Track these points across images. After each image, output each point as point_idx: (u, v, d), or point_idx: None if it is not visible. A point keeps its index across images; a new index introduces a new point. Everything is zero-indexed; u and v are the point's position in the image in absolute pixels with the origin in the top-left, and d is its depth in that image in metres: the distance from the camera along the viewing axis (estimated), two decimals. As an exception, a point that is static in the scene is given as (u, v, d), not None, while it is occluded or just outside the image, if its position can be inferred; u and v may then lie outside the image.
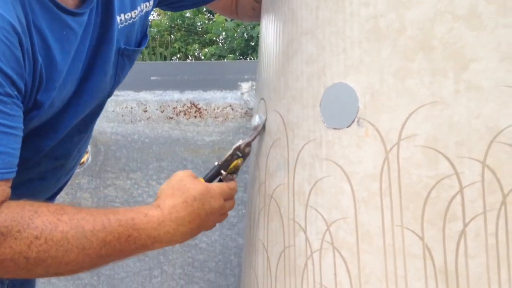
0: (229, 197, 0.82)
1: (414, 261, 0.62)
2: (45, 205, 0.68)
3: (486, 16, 0.64)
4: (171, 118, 1.26)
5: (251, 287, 0.84)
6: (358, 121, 0.69)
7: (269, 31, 0.88)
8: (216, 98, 1.27)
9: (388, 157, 0.66)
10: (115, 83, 0.89)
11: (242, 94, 1.30)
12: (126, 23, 0.85)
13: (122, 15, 0.83)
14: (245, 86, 1.32)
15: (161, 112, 1.26)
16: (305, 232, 0.72)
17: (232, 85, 1.36)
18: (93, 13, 0.78)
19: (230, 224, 1.36)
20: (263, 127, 0.85)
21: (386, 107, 0.67)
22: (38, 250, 0.63)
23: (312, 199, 0.72)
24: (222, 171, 0.82)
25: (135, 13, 0.86)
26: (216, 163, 0.84)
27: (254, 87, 1.37)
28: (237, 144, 0.84)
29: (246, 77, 1.30)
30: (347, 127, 0.70)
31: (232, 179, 0.83)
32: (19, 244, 0.62)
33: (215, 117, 1.28)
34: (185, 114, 1.27)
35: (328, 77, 0.73)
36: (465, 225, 0.61)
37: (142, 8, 0.88)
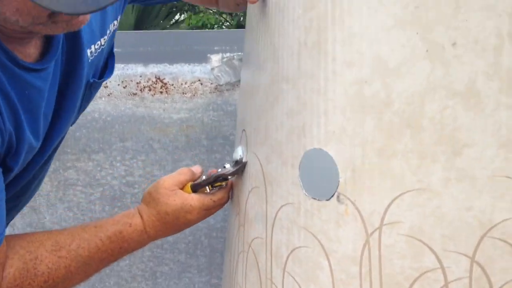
0: (212, 207, 0.93)
1: None
2: (41, 244, 0.82)
3: (486, 94, 0.62)
4: (134, 94, 1.25)
5: None
6: (338, 197, 0.72)
7: (254, 51, 0.86)
8: (183, 72, 1.24)
9: (369, 241, 0.71)
10: (80, 113, 0.95)
11: (212, 69, 1.27)
12: (96, 53, 0.88)
13: (92, 46, 0.86)
14: (215, 58, 1.29)
15: (123, 87, 1.25)
16: (283, 294, 0.81)
17: (201, 58, 1.32)
18: (59, 59, 0.81)
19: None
20: (245, 165, 0.89)
21: (368, 187, 0.69)
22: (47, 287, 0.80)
23: (289, 265, 0.79)
24: (207, 187, 0.92)
25: (104, 39, 0.89)
26: (203, 177, 0.93)
27: (225, 59, 1.32)
28: (221, 171, 0.90)
29: (216, 48, 1.25)
30: (327, 200, 0.73)
31: (220, 189, 0.93)
32: None
33: (183, 93, 1.27)
34: (150, 89, 1.25)
35: (308, 140, 0.73)
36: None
37: (111, 29, 0.90)
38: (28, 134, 0.79)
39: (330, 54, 0.69)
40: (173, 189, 0.91)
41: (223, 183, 0.92)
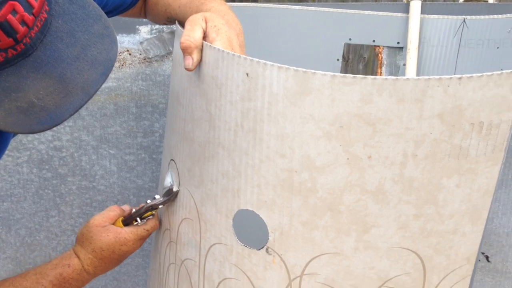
0: (146, 236, 1.16)
1: None
2: None
3: (390, 193, 0.90)
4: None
5: None
6: (267, 249, 1.00)
7: (186, 98, 1.03)
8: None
9: (291, 284, 1.01)
10: None
11: (141, 43, 1.37)
12: None
13: None
14: (144, 30, 1.38)
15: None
16: (216, 309, 1.11)
17: (130, 28, 1.39)
18: None
19: (129, 168, 1.66)
20: (176, 195, 1.11)
21: (293, 247, 0.97)
22: None
23: (222, 289, 1.08)
24: (138, 219, 1.14)
25: None
26: (133, 210, 1.15)
27: (154, 32, 1.42)
28: (151, 202, 1.12)
29: (145, 20, 1.33)
30: (257, 250, 1.01)
31: (150, 218, 1.16)
32: None
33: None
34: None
35: (241, 201, 0.98)
36: None
37: None
38: None
39: (265, 143, 0.91)
40: (105, 225, 1.11)
41: (153, 212, 1.15)
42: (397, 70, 1.51)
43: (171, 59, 1.58)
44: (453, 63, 1.53)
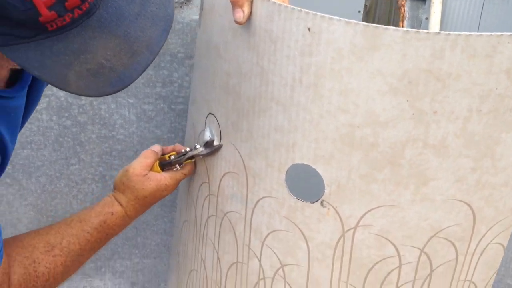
0: (183, 179, 1.18)
1: (353, 304, 1.08)
2: (34, 248, 1.00)
3: (452, 147, 0.89)
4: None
5: (195, 266, 1.27)
6: (322, 202, 0.99)
7: (230, 51, 1.00)
8: None
9: (344, 235, 1.01)
10: None
11: None
12: None
13: None
14: None
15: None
16: (259, 260, 1.11)
17: None
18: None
19: (147, 117, 1.61)
20: (219, 149, 1.09)
21: (349, 200, 0.97)
22: (50, 285, 1.00)
23: (269, 240, 1.08)
24: (177, 166, 1.14)
25: None
26: (172, 157, 1.15)
27: None
28: (192, 152, 1.11)
29: None
30: (311, 203, 1.00)
31: (188, 164, 1.17)
32: None
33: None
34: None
35: (297, 155, 0.97)
36: (397, 287, 1.05)
37: None
38: (9, 156, 0.93)
39: (326, 98, 0.89)
40: (145, 173, 1.12)
41: (189, 162, 1.14)
42: (419, 24, 1.48)
43: (190, 6, 1.52)
44: (477, 18, 1.50)
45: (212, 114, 1.10)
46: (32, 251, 1.00)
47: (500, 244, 1.08)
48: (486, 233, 1.03)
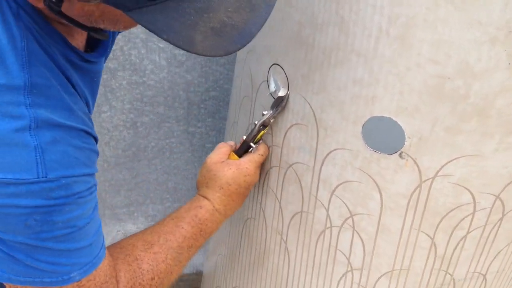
0: (262, 161, 1.14)
1: (420, 250, 1.06)
2: (133, 247, 0.97)
3: (546, 97, 0.86)
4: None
5: (253, 215, 1.25)
6: (400, 154, 0.96)
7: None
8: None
9: (421, 185, 0.99)
10: None
11: None
12: None
13: None
14: None
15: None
16: (327, 210, 1.09)
17: None
18: None
19: (178, 62, 1.54)
20: (287, 100, 1.04)
21: (431, 151, 0.94)
22: (156, 286, 0.97)
23: (339, 191, 1.05)
24: (252, 144, 1.08)
25: None
26: (244, 137, 1.10)
27: None
28: (262, 120, 1.06)
29: None
30: (389, 155, 0.97)
31: (260, 143, 1.12)
32: None
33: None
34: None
35: (376, 108, 0.93)
36: (468, 232, 1.04)
37: None
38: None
39: (416, 49, 0.85)
40: (223, 160, 1.09)
41: (265, 130, 1.09)
42: None
43: None
44: None
45: (277, 64, 1.05)
46: (132, 249, 0.97)
47: None
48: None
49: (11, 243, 0.74)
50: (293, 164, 1.10)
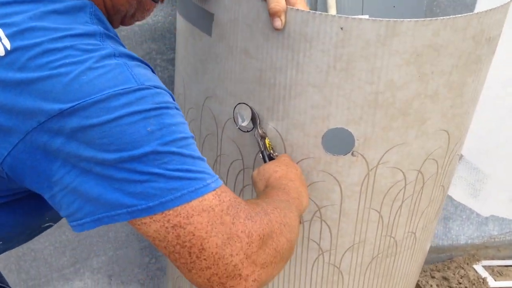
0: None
1: (372, 223, 1.41)
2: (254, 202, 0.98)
3: (441, 94, 1.26)
4: None
5: None
6: (352, 153, 1.31)
7: (260, 50, 1.25)
8: None
9: (369, 173, 1.34)
10: None
11: None
12: None
13: None
14: None
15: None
16: (301, 207, 1.41)
17: None
18: None
19: None
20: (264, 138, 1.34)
21: (373, 146, 1.30)
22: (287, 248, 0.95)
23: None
24: (271, 153, 1.31)
25: None
26: (260, 155, 1.31)
27: None
28: (257, 135, 1.31)
29: None
30: (343, 155, 1.32)
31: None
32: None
33: None
34: None
35: (331, 122, 1.27)
36: (403, 201, 1.41)
37: None
38: None
39: (356, 76, 1.20)
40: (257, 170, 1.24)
41: (269, 142, 1.33)
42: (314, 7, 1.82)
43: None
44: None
45: (243, 103, 1.35)
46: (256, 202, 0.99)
47: (458, 154, 1.49)
48: (453, 148, 1.43)
49: (144, 159, 0.80)
50: (266, 179, 1.41)
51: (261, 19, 1.22)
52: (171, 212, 0.81)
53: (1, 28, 0.84)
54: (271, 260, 0.90)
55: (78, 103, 0.80)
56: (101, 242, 2.10)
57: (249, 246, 0.86)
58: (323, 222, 1.41)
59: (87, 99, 0.80)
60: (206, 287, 0.85)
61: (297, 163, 1.34)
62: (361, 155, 1.30)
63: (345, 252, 1.45)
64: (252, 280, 0.87)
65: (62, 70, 0.81)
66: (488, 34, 1.24)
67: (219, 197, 0.85)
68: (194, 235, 0.82)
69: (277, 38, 1.22)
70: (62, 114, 0.80)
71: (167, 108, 0.84)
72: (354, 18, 1.13)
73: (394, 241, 1.48)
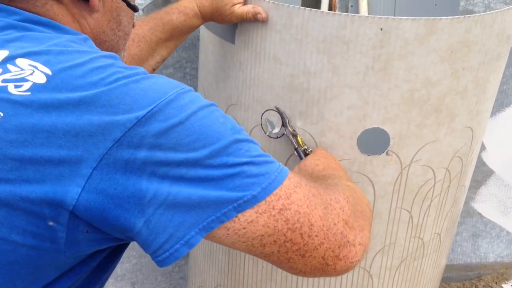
0: None
1: (402, 224, 1.45)
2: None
3: (469, 90, 1.32)
4: None
5: None
6: (387, 152, 1.35)
7: (293, 55, 1.28)
8: None
9: (401, 172, 1.38)
10: None
11: None
12: None
13: None
14: None
15: None
16: (334, 210, 1.43)
17: None
18: None
19: None
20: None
21: (407, 144, 1.34)
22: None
23: (343, 194, 1.41)
24: (305, 149, 1.32)
25: None
26: (295, 152, 1.33)
27: None
28: (289, 134, 1.34)
29: None
30: (378, 155, 1.35)
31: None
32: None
33: None
34: None
35: (367, 122, 1.31)
36: (431, 201, 1.46)
37: None
38: None
39: (394, 75, 1.25)
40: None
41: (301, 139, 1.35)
42: (346, 10, 1.88)
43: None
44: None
45: (273, 109, 1.37)
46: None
47: (477, 154, 1.56)
48: (475, 146, 1.49)
49: (230, 151, 0.79)
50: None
51: (293, 25, 1.25)
52: (272, 197, 0.80)
53: (30, 58, 0.78)
54: (363, 223, 0.91)
55: (153, 107, 0.75)
56: (126, 250, 2.06)
57: (343, 211, 0.87)
58: (356, 225, 1.43)
59: (160, 101, 0.76)
60: (319, 267, 0.85)
61: (331, 166, 1.36)
62: (395, 154, 1.34)
63: (375, 254, 1.48)
64: (358, 244, 0.88)
65: (120, 83, 0.77)
66: (508, 32, 1.31)
67: (294, 174, 0.86)
68: (299, 213, 0.82)
69: (311, 43, 1.26)
70: (140, 122, 0.74)
71: (212, 104, 0.84)
72: (394, 18, 1.18)
73: (422, 243, 1.52)
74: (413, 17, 1.18)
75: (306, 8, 1.23)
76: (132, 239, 0.80)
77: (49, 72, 0.76)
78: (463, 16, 1.20)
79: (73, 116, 0.73)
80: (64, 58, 0.79)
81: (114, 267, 0.96)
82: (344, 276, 1.51)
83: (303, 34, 1.25)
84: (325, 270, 0.86)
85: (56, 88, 0.75)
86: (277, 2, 1.27)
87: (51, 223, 0.74)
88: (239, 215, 0.79)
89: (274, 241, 0.82)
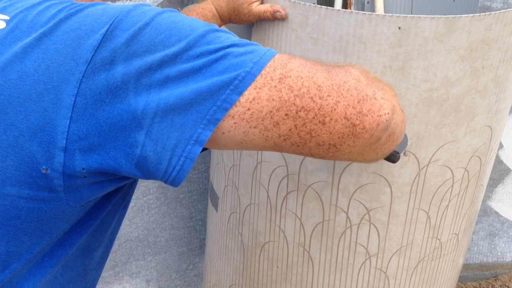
0: None
1: (420, 225, 1.43)
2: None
3: (489, 89, 1.30)
4: None
5: (272, 238, 1.52)
6: (405, 152, 1.33)
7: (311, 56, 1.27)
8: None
9: (419, 173, 1.36)
10: None
11: None
12: None
13: None
14: None
15: None
16: (346, 213, 1.41)
17: None
18: None
19: None
20: None
21: (425, 144, 1.32)
22: None
23: (356, 194, 1.39)
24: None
25: None
26: None
27: None
28: None
29: None
30: (395, 156, 1.34)
31: None
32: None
33: None
34: None
35: (385, 123, 1.29)
36: (449, 201, 1.44)
37: None
38: None
39: (412, 75, 1.23)
40: None
41: None
42: (362, 7, 1.87)
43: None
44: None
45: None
46: None
47: (496, 152, 1.54)
48: (493, 145, 1.47)
49: (209, 38, 0.76)
50: (312, 184, 1.41)
51: (309, 23, 1.24)
52: (267, 70, 0.75)
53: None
54: (382, 85, 0.87)
55: (114, 19, 0.74)
56: (141, 247, 2.06)
57: (350, 73, 0.82)
58: (371, 225, 1.42)
59: (119, 13, 0.75)
60: (347, 132, 0.78)
61: (346, 166, 1.35)
62: (413, 154, 1.32)
63: (392, 255, 1.46)
64: (381, 98, 0.81)
65: (77, 9, 0.80)
66: (528, 30, 1.29)
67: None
68: (301, 77, 0.76)
69: (327, 42, 1.24)
70: (106, 37, 0.72)
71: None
72: (413, 16, 1.16)
73: (439, 243, 1.50)
74: (432, 15, 1.16)
75: (322, 6, 1.21)
76: (139, 169, 0.76)
77: (7, 17, 0.78)
78: (483, 13, 1.17)
79: (39, 51, 0.72)
80: (20, 5, 0.80)
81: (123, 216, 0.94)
82: (360, 276, 1.49)
83: (319, 33, 1.24)
84: (354, 133, 0.79)
85: (16, 30, 0.76)
86: (293, 0, 1.26)
87: (44, 170, 0.72)
88: (240, 97, 0.74)
89: (286, 114, 0.76)
